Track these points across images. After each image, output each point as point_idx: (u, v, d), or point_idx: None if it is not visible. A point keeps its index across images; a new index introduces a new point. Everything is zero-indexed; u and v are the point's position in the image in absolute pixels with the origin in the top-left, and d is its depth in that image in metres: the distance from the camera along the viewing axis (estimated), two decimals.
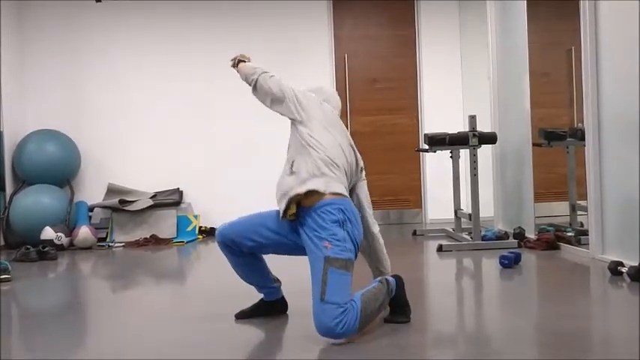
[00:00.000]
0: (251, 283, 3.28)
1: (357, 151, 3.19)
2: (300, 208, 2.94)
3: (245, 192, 6.61)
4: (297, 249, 3.01)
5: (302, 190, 2.89)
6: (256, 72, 3.18)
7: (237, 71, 3.31)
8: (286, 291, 3.31)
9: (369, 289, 2.92)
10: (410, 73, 7.39)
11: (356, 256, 2.91)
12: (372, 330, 2.92)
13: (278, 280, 3.30)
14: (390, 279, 3.05)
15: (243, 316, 3.26)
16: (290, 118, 3.08)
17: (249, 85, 3.21)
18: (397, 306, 3.08)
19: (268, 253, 3.17)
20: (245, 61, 3.31)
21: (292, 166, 2.99)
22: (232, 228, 3.12)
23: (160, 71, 7.12)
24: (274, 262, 3.31)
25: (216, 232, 3.17)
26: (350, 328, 2.73)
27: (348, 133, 3.22)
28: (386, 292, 2.96)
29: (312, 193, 2.89)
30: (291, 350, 2.80)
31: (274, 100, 3.11)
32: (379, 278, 3.03)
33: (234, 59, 3.34)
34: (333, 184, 2.93)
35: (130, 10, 7.11)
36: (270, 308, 3.28)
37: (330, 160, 2.96)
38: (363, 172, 3.26)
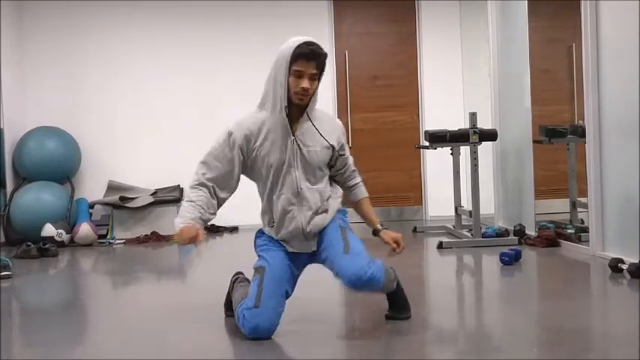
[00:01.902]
0: None
1: None
2: None
3: (245, 190, 6.59)
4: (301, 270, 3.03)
5: (329, 219, 2.96)
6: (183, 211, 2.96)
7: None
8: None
9: None
10: (410, 70, 7.39)
11: None
12: (373, 327, 2.92)
13: None
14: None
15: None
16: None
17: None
18: (398, 301, 3.07)
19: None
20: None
21: (322, 198, 2.96)
22: (274, 318, 2.82)
23: (160, 69, 7.11)
24: None
25: (263, 329, 2.79)
26: (377, 275, 2.72)
27: None
28: (394, 273, 3.00)
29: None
30: (292, 350, 2.80)
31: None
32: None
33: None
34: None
35: (131, 8, 7.10)
36: None
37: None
38: None
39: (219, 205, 3.00)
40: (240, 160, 2.93)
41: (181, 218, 2.90)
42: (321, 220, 2.92)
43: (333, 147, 2.94)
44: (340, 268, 2.76)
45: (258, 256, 2.98)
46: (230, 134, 2.93)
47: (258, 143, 2.89)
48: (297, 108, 2.88)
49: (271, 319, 2.78)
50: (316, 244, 2.95)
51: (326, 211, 2.94)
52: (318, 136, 2.91)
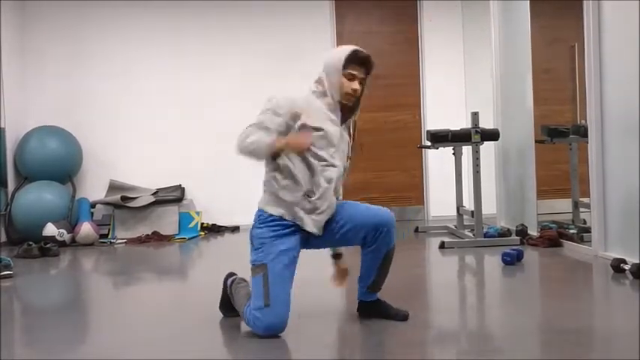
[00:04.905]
0: None
1: None
2: None
3: (247, 189, 6.59)
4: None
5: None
6: None
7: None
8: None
9: None
10: (412, 70, 7.38)
11: None
12: (374, 328, 2.91)
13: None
14: None
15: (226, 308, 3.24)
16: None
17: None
18: (390, 313, 3.08)
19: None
20: None
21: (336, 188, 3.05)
22: (286, 311, 2.88)
23: (162, 69, 7.11)
24: None
25: (279, 328, 2.86)
26: (394, 230, 3.00)
27: None
28: None
29: None
30: (292, 349, 2.79)
31: None
32: None
33: None
34: None
35: (133, 9, 7.09)
36: None
37: None
38: None
39: None
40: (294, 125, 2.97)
41: (268, 138, 2.88)
42: (335, 205, 3.02)
43: (350, 145, 3.13)
44: (374, 213, 2.97)
45: (257, 248, 2.94)
46: (288, 100, 3.00)
47: (314, 116, 2.96)
48: (346, 107, 3.07)
49: (283, 314, 2.83)
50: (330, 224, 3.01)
51: (337, 198, 3.07)
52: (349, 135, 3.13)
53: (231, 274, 3.26)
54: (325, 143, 2.95)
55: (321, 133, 2.93)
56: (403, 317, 3.03)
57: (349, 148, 3.10)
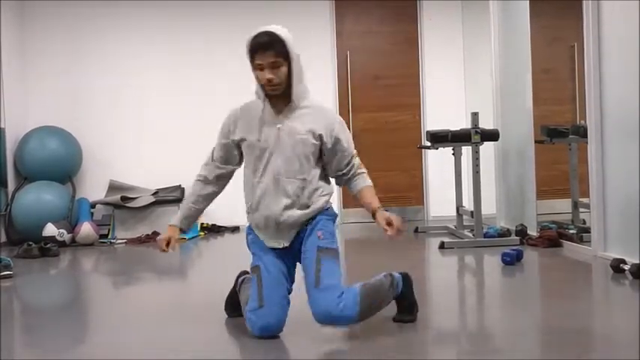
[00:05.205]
0: None
1: None
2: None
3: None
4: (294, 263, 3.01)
5: (309, 216, 2.89)
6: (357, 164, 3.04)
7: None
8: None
9: (370, 281, 2.91)
10: (412, 70, 7.38)
11: None
12: (375, 328, 2.91)
13: None
14: (396, 274, 3.03)
15: (232, 309, 3.24)
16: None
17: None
18: (404, 304, 3.06)
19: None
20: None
21: (305, 196, 2.89)
22: (279, 316, 2.83)
23: (162, 69, 7.11)
24: None
25: (267, 331, 2.82)
26: (349, 311, 2.70)
27: None
28: (389, 285, 2.94)
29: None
30: (294, 349, 2.79)
31: None
32: (384, 273, 3.01)
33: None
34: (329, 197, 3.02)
35: (132, 8, 7.10)
36: None
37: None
38: None
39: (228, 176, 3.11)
40: (234, 142, 2.98)
41: (179, 212, 3.17)
42: (297, 214, 2.86)
43: (320, 137, 2.88)
44: (311, 302, 2.76)
45: (252, 253, 2.99)
46: (227, 117, 3.05)
47: (242, 127, 2.93)
48: (282, 97, 2.87)
49: (278, 315, 2.80)
50: (297, 247, 2.91)
51: (307, 206, 2.88)
52: (303, 125, 2.87)
53: (243, 273, 3.25)
54: (255, 154, 2.88)
55: (245, 143, 2.91)
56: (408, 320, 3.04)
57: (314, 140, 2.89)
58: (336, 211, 3.14)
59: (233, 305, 3.22)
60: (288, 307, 2.86)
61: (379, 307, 2.90)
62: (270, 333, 2.80)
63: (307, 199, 2.88)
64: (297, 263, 2.98)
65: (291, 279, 2.94)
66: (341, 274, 2.86)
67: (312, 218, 2.90)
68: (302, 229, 2.90)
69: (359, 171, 3.04)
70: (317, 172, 2.93)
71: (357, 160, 3.04)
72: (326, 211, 2.95)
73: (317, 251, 2.81)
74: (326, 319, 2.73)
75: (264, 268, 2.87)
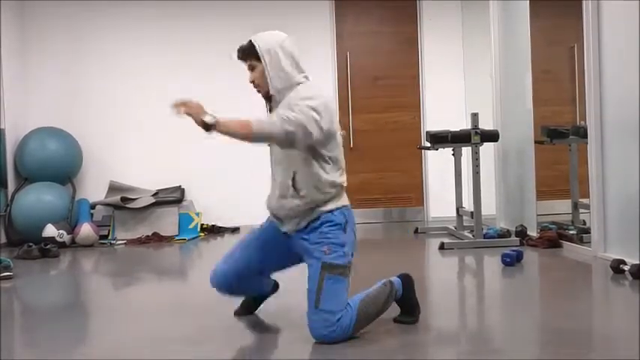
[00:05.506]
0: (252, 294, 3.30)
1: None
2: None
3: (247, 189, 6.60)
4: (293, 258, 3.00)
5: (315, 215, 2.84)
6: (289, 121, 2.72)
7: (225, 133, 2.86)
8: (287, 289, 3.30)
9: (370, 292, 2.91)
10: (412, 71, 7.38)
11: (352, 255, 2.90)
12: (375, 328, 2.91)
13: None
14: (396, 281, 3.01)
15: (243, 311, 3.26)
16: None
17: (282, 140, 2.77)
18: (406, 306, 3.06)
19: (268, 273, 3.20)
20: (214, 122, 2.84)
21: (295, 185, 2.84)
22: (226, 274, 3.04)
23: (161, 70, 7.11)
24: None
25: (211, 281, 3.08)
26: (342, 334, 2.75)
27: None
28: (388, 294, 2.94)
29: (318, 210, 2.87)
30: (294, 349, 2.79)
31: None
32: (383, 280, 3.00)
33: (201, 123, 2.86)
34: (341, 199, 2.92)
35: (132, 8, 7.10)
36: (265, 295, 3.33)
37: (341, 172, 2.93)
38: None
39: None
40: None
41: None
42: (289, 204, 2.85)
43: None
44: (309, 319, 2.80)
45: None
46: None
47: None
48: (269, 99, 2.99)
49: (218, 270, 3.07)
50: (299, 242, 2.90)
51: (299, 197, 2.84)
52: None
53: None
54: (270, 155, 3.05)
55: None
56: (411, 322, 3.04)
57: None
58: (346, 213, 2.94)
59: (245, 308, 3.28)
60: (248, 275, 3.03)
61: (375, 317, 2.90)
62: (212, 285, 3.09)
63: (299, 189, 2.84)
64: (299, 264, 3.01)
65: (276, 261, 3.03)
66: (345, 291, 2.80)
67: (317, 218, 2.85)
68: (305, 222, 2.86)
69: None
70: (310, 160, 2.84)
71: (282, 112, 2.82)
72: (333, 215, 2.85)
73: (321, 268, 2.77)
74: (319, 339, 2.77)
75: (256, 230, 3.06)
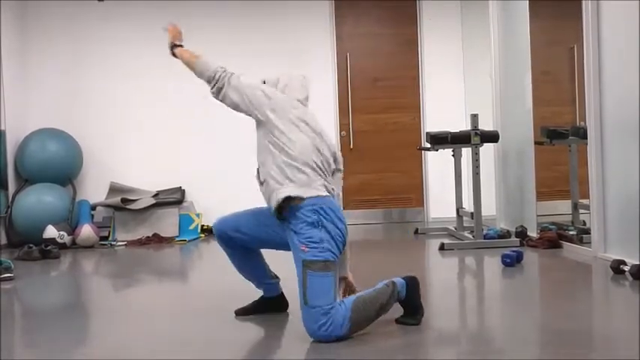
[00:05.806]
0: (248, 278, 3.31)
1: (329, 141, 3.09)
2: (284, 211, 2.93)
3: (247, 190, 6.58)
4: (287, 245, 3.02)
5: (274, 203, 2.91)
6: (217, 74, 3.13)
7: (179, 57, 3.29)
8: (287, 288, 3.31)
9: (369, 291, 2.91)
10: (412, 72, 7.38)
11: (341, 250, 2.90)
12: (375, 329, 2.92)
13: (277, 276, 3.31)
14: (398, 282, 3.00)
15: (243, 312, 3.28)
16: (256, 120, 3.06)
17: (209, 85, 3.16)
18: (409, 307, 3.04)
19: (262, 248, 3.23)
20: (181, 45, 3.32)
21: (259, 175, 3.05)
22: (227, 222, 3.19)
23: (162, 70, 7.06)
24: (273, 259, 3.31)
25: (213, 226, 3.24)
26: (335, 331, 2.75)
27: (319, 123, 3.09)
28: (389, 295, 2.93)
29: (287, 200, 2.89)
30: (292, 349, 2.80)
31: (240, 109, 3.12)
32: (386, 281, 2.99)
33: (171, 44, 3.33)
34: (306, 188, 2.91)
35: (132, 9, 7.10)
36: (271, 305, 3.30)
37: (301, 161, 2.92)
38: (340, 164, 3.15)
39: None
40: None
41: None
42: (263, 189, 3.04)
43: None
44: (302, 317, 2.83)
45: None
46: None
47: None
48: None
49: (220, 221, 3.21)
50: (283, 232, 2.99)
51: (264, 183, 3.02)
52: None
53: None
54: None
55: None
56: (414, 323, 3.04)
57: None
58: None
59: (247, 310, 3.30)
60: (245, 233, 3.11)
61: (375, 317, 2.90)
62: (213, 229, 3.22)
63: (264, 178, 3.02)
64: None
65: (270, 237, 3.07)
66: (332, 286, 2.81)
67: (289, 217, 2.91)
68: (282, 213, 2.93)
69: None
70: (268, 150, 2.98)
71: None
72: (302, 213, 2.88)
73: (303, 267, 2.82)
74: (313, 337, 2.78)
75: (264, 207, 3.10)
